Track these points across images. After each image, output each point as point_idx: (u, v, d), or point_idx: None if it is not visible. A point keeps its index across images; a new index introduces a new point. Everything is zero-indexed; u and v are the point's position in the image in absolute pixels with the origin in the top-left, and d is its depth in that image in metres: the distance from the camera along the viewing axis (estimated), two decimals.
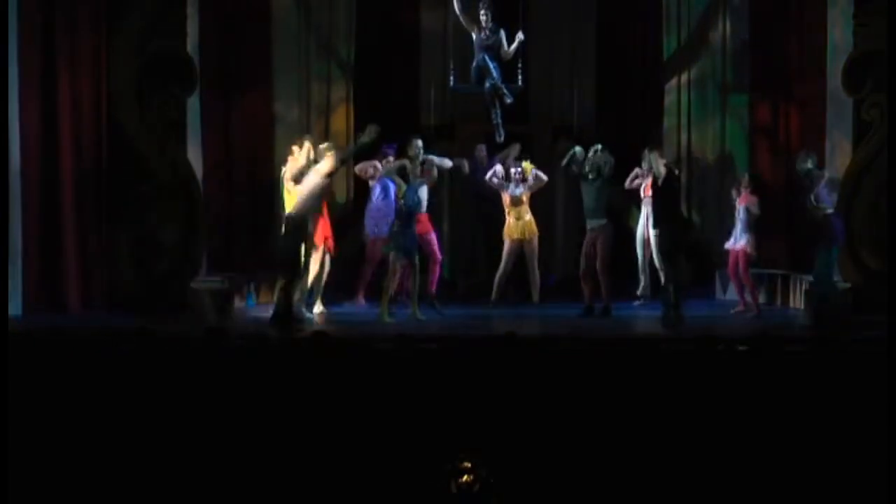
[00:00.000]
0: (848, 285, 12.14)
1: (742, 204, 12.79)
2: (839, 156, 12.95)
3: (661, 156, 12.32)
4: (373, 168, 13.31)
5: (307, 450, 7.13)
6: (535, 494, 7.18)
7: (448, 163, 13.30)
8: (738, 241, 12.76)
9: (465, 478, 6.92)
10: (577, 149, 12.82)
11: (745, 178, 13.06)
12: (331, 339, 8.09)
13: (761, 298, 13.35)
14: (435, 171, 12.96)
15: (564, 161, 12.84)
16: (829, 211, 11.91)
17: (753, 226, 12.71)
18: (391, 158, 13.20)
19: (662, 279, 12.54)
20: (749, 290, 12.77)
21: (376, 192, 13.31)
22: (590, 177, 12.63)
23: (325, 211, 12.56)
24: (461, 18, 13.52)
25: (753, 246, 12.69)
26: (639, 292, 13.51)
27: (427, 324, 11.75)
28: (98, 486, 7.00)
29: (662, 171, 12.02)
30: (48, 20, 12.36)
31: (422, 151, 12.91)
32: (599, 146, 12.78)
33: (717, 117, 14.98)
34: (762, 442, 7.42)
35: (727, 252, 12.93)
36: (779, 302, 13.59)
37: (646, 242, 13.32)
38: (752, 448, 7.37)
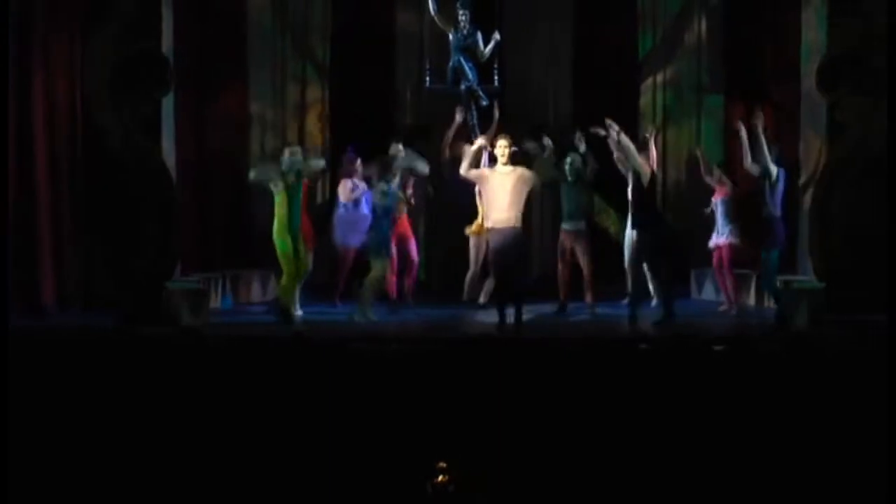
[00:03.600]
0: (822, 285, 12.20)
1: (718, 198, 12.82)
2: (813, 157, 13.03)
3: (647, 157, 12.25)
4: (353, 184, 13.19)
5: (283, 450, 7.13)
6: (512, 494, 7.19)
7: (424, 168, 13.12)
8: (720, 236, 12.78)
9: (440, 478, 6.92)
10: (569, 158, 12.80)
11: (717, 172, 13.02)
12: (308, 339, 8.09)
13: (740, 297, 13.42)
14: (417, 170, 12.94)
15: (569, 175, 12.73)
16: (777, 213, 11.93)
17: (734, 217, 12.72)
18: (359, 162, 13.08)
19: (633, 281, 12.55)
20: (731, 285, 12.79)
21: (350, 202, 13.29)
22: (569, 179, 12.65)
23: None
24: (436, 19, 13.51)
25: (738, 236, 12.71)
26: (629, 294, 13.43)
27: (404, 324, 11.75)
28: (76, 486, 6.99)
29: (648, 165, 12.00)
30: (22, 20, 12.32)
31: (402, 153, 12.84)
32: (582, 148, 12.86)
33: (693, 117, 15.05)
34: (739, 440, 7.45)
35: (712, 250, 12.94)
36: (753, 301, 13.61)
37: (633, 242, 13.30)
38: (730, 446, 7.40)
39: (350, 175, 13.06)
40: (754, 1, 14.21)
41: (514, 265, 11.25)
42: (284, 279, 11.92)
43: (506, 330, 10.94)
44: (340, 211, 13.07)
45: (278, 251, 11.93)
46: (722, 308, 12.83)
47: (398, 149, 12.87)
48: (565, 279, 12.63)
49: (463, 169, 11.54)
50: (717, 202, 12.83)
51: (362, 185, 12.85)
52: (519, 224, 11.26)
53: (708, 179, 13.11)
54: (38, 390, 7.44)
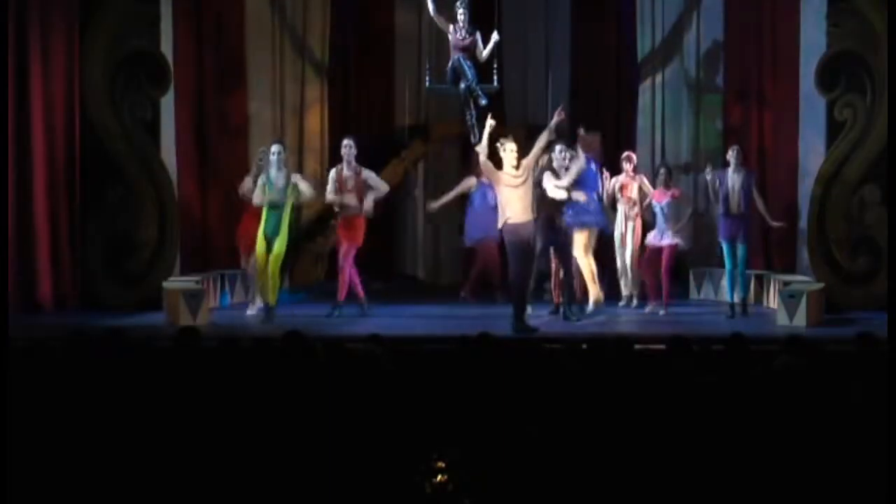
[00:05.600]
0: (822, 285, 12.21)
1: (662, 201, 12.55)
2: (812, 156, 13.03)
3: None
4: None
5: (280, 450, 7.11)
6: (508, 495, 7.18)
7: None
8: (663, 238, 12.53)
9: (439, 478, 6.90)
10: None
11: (663, 172, 12.72)
12: (305, 339, 8.08)
13: (736, 297, 13.43)
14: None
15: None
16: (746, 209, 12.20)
17: (676, 220, 12.68)
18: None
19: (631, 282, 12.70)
20: (665, 287, 12.58)
21: (477, 197, 13.31)
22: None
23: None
24: (436, 20, 13.45)
25: (684, 238, 12.72)
26: (625, 293, 13.32)
27: (396, 324, 11.73)
28: (65, 491, 6.96)
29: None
30: (21, 19, 12.32)
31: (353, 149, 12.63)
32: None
33: (691, 118, 15.03)
34: (737, 442, 7.44)
35: (649, 248, 12.67)
36: (752, 300, 13.56)
37: (622, 242, 13.23)
38: (727, 448, 7.39)
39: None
40: (754, 1, 14.19)
41: (531, 259, 11.38)
42: (259, 278, 12.07)
43: (523, 330, 10.97)
44: (472, 208, 13.35)
45: (256, 250, 12.00)
46: (649, 309, 12.73)
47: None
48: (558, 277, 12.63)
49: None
50: (662, 205, 12.60)
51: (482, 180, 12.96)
52: (532, 217, 11.32)
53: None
54: (34, 391, 7.42)
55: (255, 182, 12.22)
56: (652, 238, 12.63)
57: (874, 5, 12.42)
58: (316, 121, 15.34)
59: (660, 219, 12.58)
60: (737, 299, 12.42)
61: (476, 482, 6.85)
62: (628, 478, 7.10)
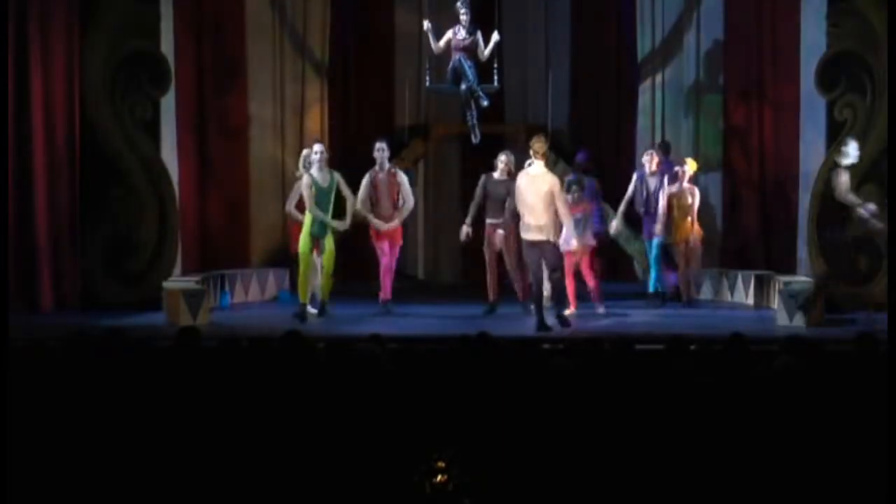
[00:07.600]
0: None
1: (578, 213, 12.14)
2: (812, 156, 13.02)
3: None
4: None
5: (281, 450, 7.11)
6: (508, 495, 7.18)
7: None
8: (581, 239, 12.19)
9: (439, 478, 6.90)
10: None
11: (575, 189, 12.30)
12: (305, 339, 8.08)
13: (738, 297, 13.44)
14: None
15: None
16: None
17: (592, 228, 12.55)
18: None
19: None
20: (595, 286, 12.56)
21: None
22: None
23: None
24: (437, 50, 13.34)
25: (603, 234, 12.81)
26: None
27: (396, 324, 11.72)
28: (66, 491, 6.96)
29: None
30: (21, 18, 12.32)
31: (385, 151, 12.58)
32: None
33: (692, 118, 15.02)
34: (736, 442, 7.45)
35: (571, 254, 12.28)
36: (752, 300, 13.55)
37: None
38: (726, 449, 7.40)
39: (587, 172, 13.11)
40: (754, 1, 14.18)
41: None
42: (300, 277, 12.00)
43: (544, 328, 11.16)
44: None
45: (299, 249, 11.96)
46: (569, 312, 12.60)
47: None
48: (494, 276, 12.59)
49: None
50: (576, 216, 12.29)
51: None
52: None
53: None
54: (34, 391, 7.42)
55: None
56: (563, 244, 12.30)
57: (874, 5, 12.42)
58: (316, 121, 15.33)
59: (572, 224, 12.35)
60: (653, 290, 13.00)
61: (476, 482, 6.84)
62: (628, 478, 7.10)
